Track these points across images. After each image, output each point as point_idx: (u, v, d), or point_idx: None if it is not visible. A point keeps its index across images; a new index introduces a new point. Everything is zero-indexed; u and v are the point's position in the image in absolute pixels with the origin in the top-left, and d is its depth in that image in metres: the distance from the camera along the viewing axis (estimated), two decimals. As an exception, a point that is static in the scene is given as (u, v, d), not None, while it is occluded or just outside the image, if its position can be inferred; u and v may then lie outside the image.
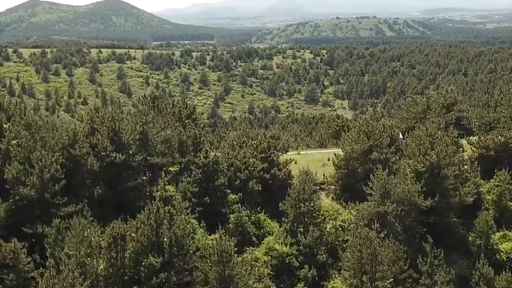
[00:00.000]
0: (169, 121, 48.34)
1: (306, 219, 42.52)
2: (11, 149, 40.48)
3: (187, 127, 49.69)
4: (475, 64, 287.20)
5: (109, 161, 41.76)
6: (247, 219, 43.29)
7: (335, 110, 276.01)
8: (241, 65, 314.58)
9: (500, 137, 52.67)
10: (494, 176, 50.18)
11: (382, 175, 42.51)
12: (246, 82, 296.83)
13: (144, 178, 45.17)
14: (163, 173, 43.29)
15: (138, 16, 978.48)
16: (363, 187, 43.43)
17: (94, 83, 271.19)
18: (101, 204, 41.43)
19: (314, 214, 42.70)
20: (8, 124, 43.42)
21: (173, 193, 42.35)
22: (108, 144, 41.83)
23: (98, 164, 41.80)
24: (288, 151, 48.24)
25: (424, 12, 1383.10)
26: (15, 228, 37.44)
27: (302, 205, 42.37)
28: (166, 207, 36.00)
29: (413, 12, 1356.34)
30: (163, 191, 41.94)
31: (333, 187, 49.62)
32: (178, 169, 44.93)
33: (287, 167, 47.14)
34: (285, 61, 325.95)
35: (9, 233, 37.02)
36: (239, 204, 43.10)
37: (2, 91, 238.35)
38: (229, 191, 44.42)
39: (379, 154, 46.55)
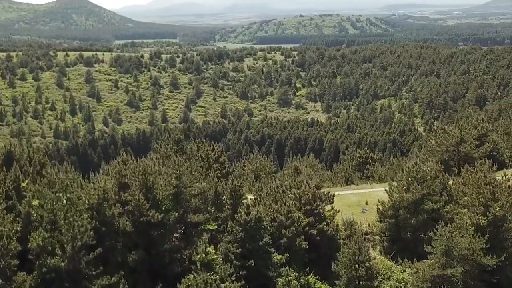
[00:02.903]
0: (200, 170, 43.61)
1: (361, 282, 38.40)
2: (33, 212, 35.58)
3: (216, 172, 45.03)
4: (447, 65, 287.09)
5: (144, 221, 37.09)
6: (297, 283, 38.96)
7: (308, 113, 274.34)
8: (212, 67, 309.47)
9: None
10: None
11: (444, 230, 38.57)
12: (218, 85, 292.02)
13: (176, 235, 40.43)
14: (204, 234, 38.70)
15: (99, 15, 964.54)
16: (425, 246, 39.32)
17: (61, 88, 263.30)
18: (135, 271, 36.82)
19: (371, 277, 38.62)
20: (26, 181, 38.23)
21: (214, 256, 37.76)
22: (145, 202, 37.11)
23: (130, 225, 37.13)
24: (333, 201, 43.81)
25: (385, 8, 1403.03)
26: (42, 306, 32.74)
27: (358, 266, 38.26)
28: (211, 277, 32.15)
29: (374, 8, 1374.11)
30: (203, 254, 37.35)
31: (378, 237, 45.48)
32: (216, 227, 40.28)
33: (334, 220, 42.70)
34: (256, 63, 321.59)
35: (36, 313, 32.38)
36: (287, 267, 38.73)
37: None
38: (273, 250, 39.89)
39: (433, 203, 42.58)
